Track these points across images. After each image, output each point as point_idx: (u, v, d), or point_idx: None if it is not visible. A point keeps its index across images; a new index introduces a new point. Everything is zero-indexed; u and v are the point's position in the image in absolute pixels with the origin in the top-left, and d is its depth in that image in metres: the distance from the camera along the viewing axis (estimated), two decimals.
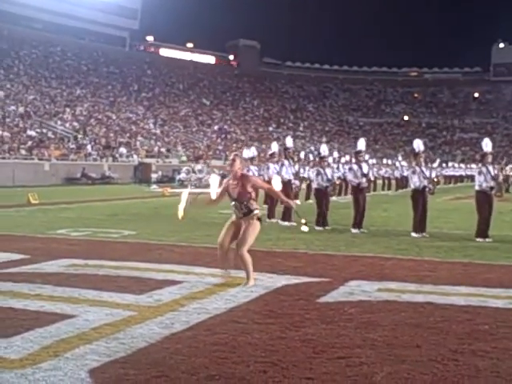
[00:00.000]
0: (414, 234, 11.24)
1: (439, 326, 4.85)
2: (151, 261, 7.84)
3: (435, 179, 13.46)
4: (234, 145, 58.66)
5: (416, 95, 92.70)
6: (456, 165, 53.06)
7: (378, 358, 4.03)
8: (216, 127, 65.15)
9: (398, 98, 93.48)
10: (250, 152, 16.88)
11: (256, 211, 6.47)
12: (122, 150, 44.39)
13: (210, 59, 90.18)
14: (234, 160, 6.59)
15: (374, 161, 36.34)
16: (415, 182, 11.68)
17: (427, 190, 11.70)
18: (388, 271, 7.39)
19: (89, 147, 42.28)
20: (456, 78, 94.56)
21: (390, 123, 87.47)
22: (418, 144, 12.11)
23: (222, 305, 5.46)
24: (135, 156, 44.01)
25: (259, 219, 6.51)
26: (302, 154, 26.36)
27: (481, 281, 6.85)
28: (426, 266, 7.85)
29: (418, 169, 11.72)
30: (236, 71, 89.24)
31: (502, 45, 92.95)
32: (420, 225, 11.39)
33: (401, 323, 4.93)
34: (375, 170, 32.86)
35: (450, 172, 46.69)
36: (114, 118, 53.63)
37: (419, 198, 11.60)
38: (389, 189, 32.33)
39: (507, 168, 32.23)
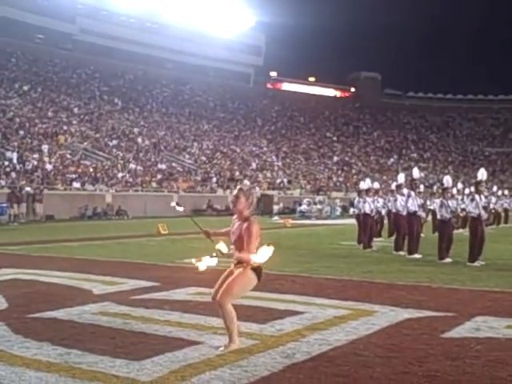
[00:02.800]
0: None
1: None
2: (273, 291, 7.97)
3: None
4: (355, 176, 58.28)
5: None
6: None
7: None
8: (336, 159, 65.17)
9: None
10: (365, 184, 16.73)
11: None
12: (246, 182, 45.53)
13: (331, 92, 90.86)
14: (237, 197, 5.44)
15: (507, 192, 34.51)
16: None
17: None
18: None
19: (214, 180, 43.81)
20: None
21: None
22: None
23: (343, 337, 5.46)
24: (258, 188, 44.95)
25: (255, 270, 5.16)
26: (435, 188, 25.80)
27: None
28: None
29: None
30: (357, 103, 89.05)
31: None
32: None
33: None
34: (507, 201, 31.24)
35: None
36: (238, 151, 55.22)
37: None
38: None
39: None
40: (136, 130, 50.60)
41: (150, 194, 37.50)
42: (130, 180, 38.61)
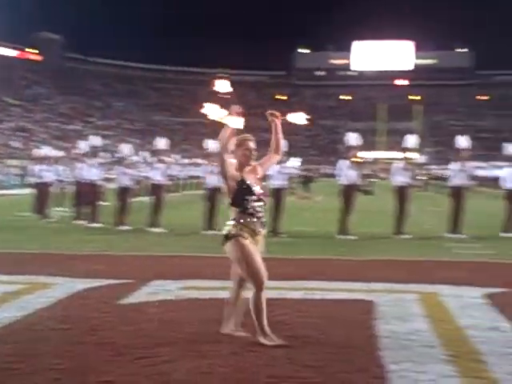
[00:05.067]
0: (208, 232, 11.64)
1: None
2: None
3: None
4: (34, 143, 55.65)
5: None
6: None
7: (178, 355, 4.04)
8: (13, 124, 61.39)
9: (207, 98, 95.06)
10: (42, 151, 16.06)
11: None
12: None
13: (9, 52, 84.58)
14: (248, 140, 4.43)
15: (187, 160, 36.45)
16: (212, 181, 12.15)
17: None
18: (192, 269, 7.47)
19: None
20: (262, 80, 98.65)
21: (200, 123, 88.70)
22: (210, 144, 12.70)
23: (14, 313, 5.10)
24: None
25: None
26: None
27: (280, 274, 7.16)
28: (228, 263, 8.04)
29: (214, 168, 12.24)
30: (38, 66, 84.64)
31: (302, 50, 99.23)
32: (212, 222, 11.93)
33: (203, 320, 4.99)
34: (191, 169, 33.05)
35: None
36: None
37: (216, 196, 12.13)
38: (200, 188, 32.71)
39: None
40: None
41: None
42: None
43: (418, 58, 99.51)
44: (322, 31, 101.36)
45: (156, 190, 12.76)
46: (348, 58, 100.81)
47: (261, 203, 4.31)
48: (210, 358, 4.00)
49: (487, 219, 14.61)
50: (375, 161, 64.73)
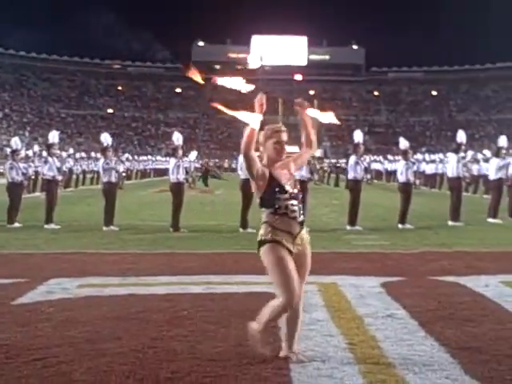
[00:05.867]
0: (109, 228, 11.38)
1: (140, 317, 4.91)
2: None
3: (124, 173, 13.92)
4: None
5: (120, 88, 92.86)
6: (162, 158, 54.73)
7: (76, 355, 3.93)
8: None
9: (102, 91, 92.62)
10: None
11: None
12: None
13: None
14: (280, 131, 3.96)
15: (84, 154, 35.44)
16: (110, 176, 11.93)
17: (120, 183, 12.19)
18: (91, 267, 7.28)
19: None
20: (159, 72, 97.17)
21: (94, 116, 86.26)
22: (106, 138, 12.50)
23: None
24: None
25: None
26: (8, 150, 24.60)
27: (182, 269, 7.14)
28: (129, 259, 7.92)
29: (110, 163, 12.03)
30: None
31: (201, 43, 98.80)
32: (112, 217, 11.66)
33: (102, 317, 4.88)
34: (86, 163, 32.20)
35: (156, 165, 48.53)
36: None
37: (115, 191, 11.99)
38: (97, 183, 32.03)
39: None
40: None
41: None
42: None
43: (310, 53, 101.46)
44: (221, 24, 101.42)
45: (49, 185, 12.32)
46: (247, 52, 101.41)
47: (294, 201, 3.84)
48: (109, 356, 3.91)
49: (384, 211, 15.21)
50: None
